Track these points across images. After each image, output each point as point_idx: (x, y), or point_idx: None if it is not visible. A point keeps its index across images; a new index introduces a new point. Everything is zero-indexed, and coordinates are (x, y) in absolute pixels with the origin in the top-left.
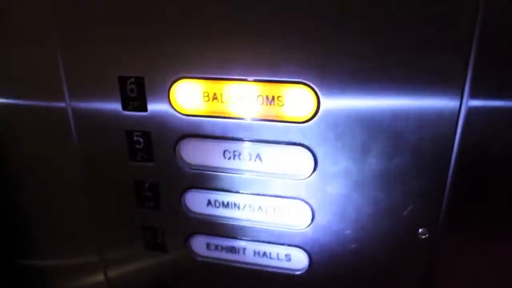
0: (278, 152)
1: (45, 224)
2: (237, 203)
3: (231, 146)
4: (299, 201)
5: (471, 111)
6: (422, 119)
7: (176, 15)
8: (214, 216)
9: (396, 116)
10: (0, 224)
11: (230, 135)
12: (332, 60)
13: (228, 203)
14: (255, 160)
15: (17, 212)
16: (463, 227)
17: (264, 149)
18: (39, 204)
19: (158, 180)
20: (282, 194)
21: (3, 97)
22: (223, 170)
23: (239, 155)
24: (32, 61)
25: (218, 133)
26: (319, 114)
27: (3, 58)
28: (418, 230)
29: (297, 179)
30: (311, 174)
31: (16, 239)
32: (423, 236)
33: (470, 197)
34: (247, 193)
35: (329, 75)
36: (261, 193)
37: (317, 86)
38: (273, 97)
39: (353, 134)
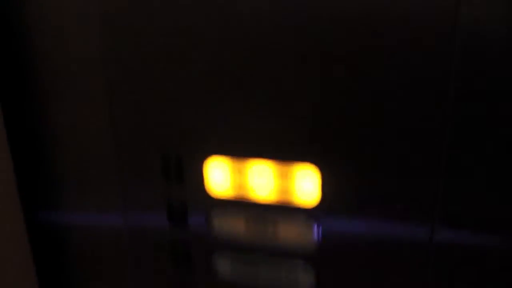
0: (287, 229)
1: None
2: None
3: (251, 216)
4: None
5: None
6: None
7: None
8: None
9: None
10: None
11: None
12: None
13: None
14: (270, 232)
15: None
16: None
17: (276, 223)
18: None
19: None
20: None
21: None
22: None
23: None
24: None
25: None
26: (324, 198)
27: None
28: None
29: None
30: (317, 242)
31: None
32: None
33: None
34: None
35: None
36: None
37: (324, 171)
38: (286, 176)
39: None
